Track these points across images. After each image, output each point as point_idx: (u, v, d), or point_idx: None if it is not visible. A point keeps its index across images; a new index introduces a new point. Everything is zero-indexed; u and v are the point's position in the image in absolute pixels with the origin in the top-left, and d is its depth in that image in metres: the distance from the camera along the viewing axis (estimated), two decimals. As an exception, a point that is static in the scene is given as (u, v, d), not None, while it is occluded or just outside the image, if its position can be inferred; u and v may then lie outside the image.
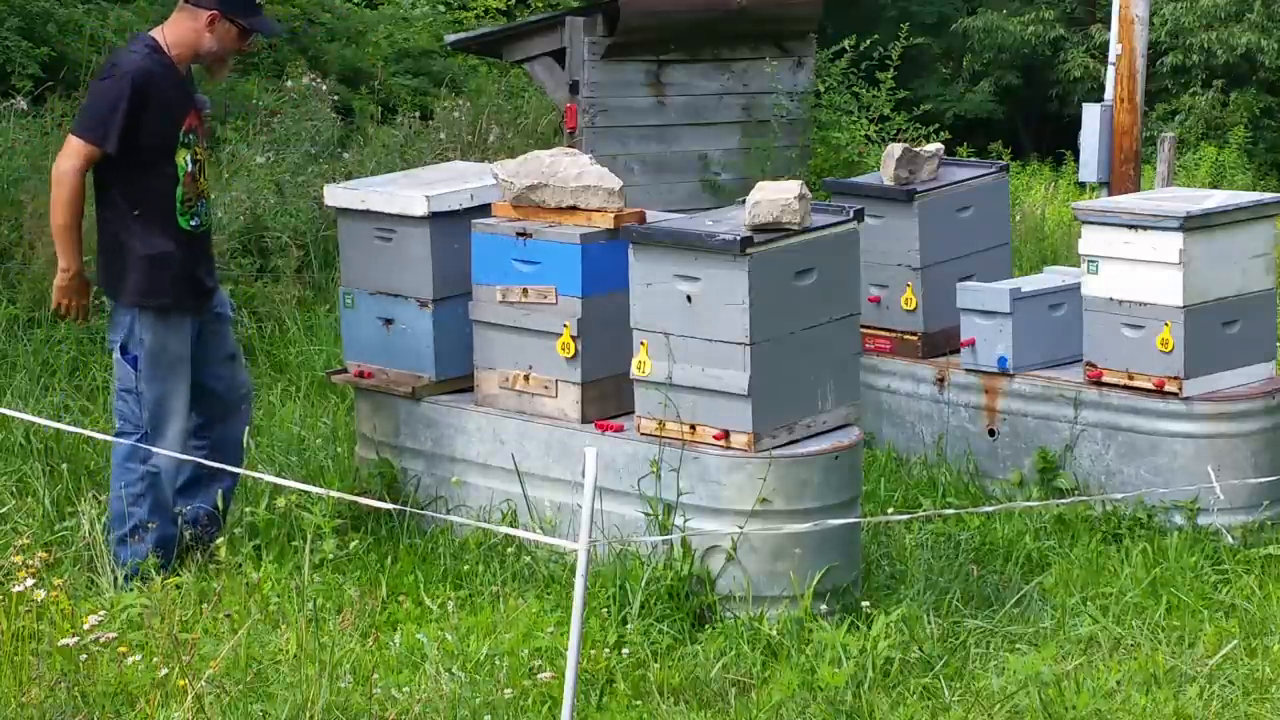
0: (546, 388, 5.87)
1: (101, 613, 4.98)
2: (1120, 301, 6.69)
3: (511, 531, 5.63)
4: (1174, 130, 18.86)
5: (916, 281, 7.30)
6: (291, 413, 7.32)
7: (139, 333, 5.69)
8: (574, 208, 5.84)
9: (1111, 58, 11.42)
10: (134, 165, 5.61)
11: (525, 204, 5.92)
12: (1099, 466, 6.76)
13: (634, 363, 5.64)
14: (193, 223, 5.74)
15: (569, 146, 8.90)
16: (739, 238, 5.38)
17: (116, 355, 5.74)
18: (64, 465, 6.37)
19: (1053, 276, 7.45)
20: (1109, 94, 11.41)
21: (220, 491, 5.82)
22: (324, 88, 11.21)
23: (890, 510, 6.55)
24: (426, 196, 6.08)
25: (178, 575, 5.53)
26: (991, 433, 7.07)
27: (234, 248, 9.00)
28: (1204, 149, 19.30)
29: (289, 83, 11.64)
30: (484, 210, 6.10)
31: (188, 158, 5.71)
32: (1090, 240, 6.76)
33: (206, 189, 5.85)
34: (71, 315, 5.81)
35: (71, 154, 5.58)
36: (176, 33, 5.74)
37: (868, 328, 7.21)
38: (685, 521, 5.48)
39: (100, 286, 5.89)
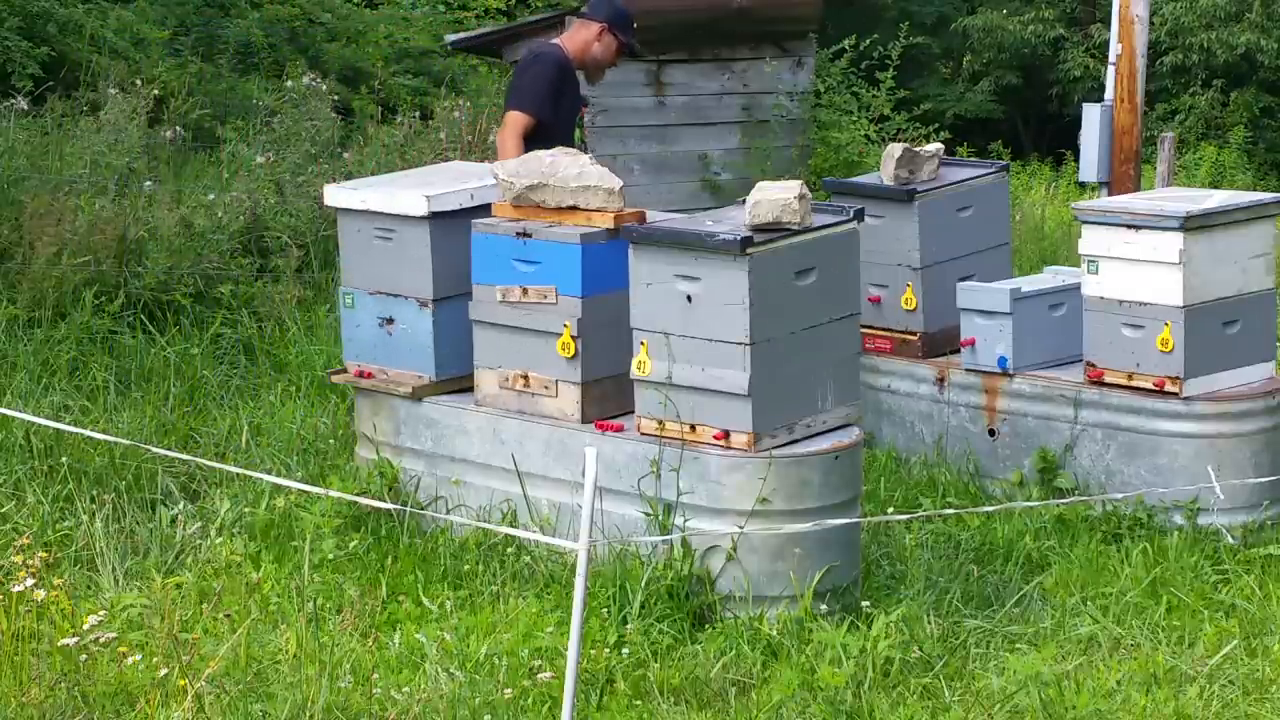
0: (546, 388, 5.87)
1: (101, 613, 4.99)
2: (1120, 301, 6.69)
3: (512, 531, 5.63)
4: (1174, 130, 18.86)
5: (916, 281, 7.30)
6: (291, 413, 7.32)
7: None
8: (574, 208, 5.84)
9: (1111, 58, 11.41)
10: (550, 138, 6.76)
11: (525, 204, 5.92)
12: (1099, 466, 6.76)
13: (634, 363, 5.64)
14: None
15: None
16: (739, 238, 5.38)
17: None
18: (64, 465, 6.37)
19: (1053, 276, 7.44)
20: (1109, 94, 11.40)
21: None
22: (324, 88, 11.21)
23: (890, 510, 6.55)
24: (426, 196, 6.08)
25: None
26: (991, 433, 7.07)
27: (234, 248, 9.00)
28: (1204, 149, 19.29)
29: (289, 83, 11.64)
30: (484, 210, 6.10)
31: (578, 137, 7.22)
32: (1090, 240, 6.76)
33: None
34: None
35: (511, 125, 6.90)
36: (574, 41, 7.17)
37: (868, 328, 7.21)
38: (685, 521, 5.48)
39: None
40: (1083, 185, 13.58)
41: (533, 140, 6.83)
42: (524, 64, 7.14)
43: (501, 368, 5.98)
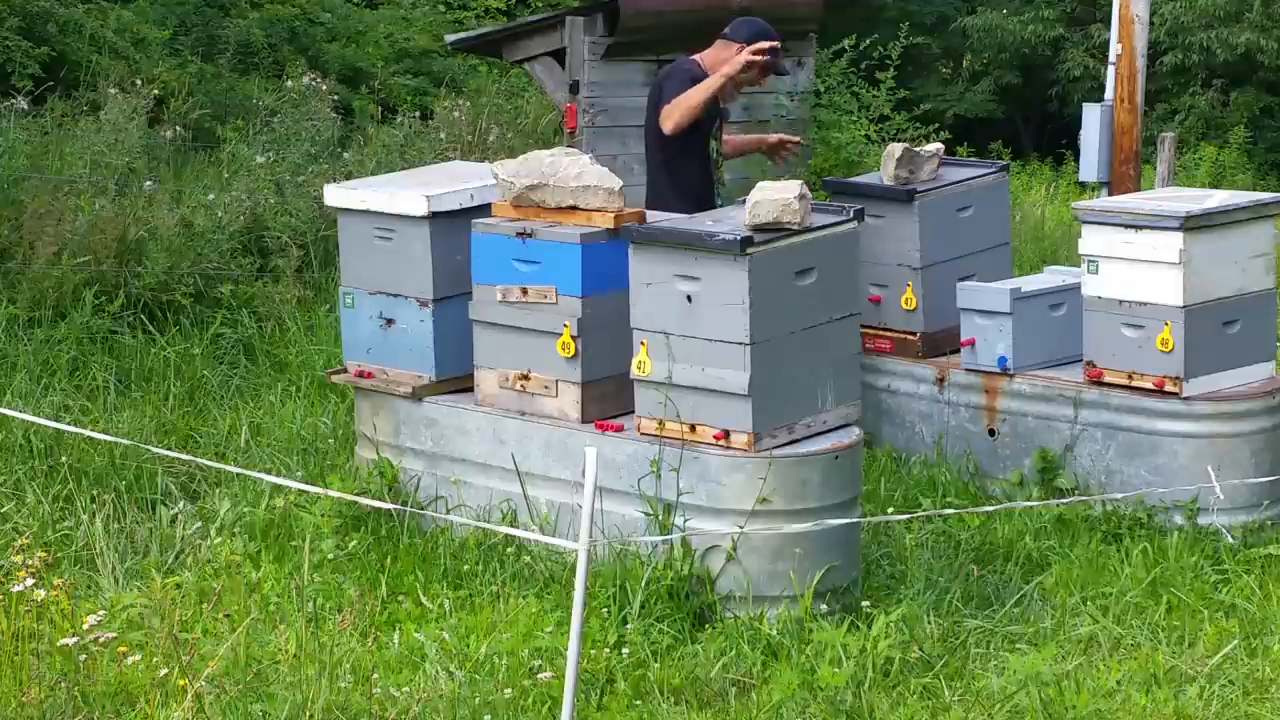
0: (546, 388, 5.87)
1: (101, 613, 4.98)
2: (1120, 301, 6.69)
3: (511, 531, 5.62)
4: (1174, 130, 18.85)
5: (916, 281, 7.30)
6: (291, 413, 7.32)
7: None
8: (574, 208, 5.84)
9: (1111, 58, 11.41)
10: (691, 142, 7.03)
11: (525, 204, 5.92)
12: (1099, 466, 6.76)
13: (634, 363, 5.64)
14: (717, 202, 7.15)
15: (569, 146, 8.90)
16: (739, 238, 5.38)
17: None
18: (64, 465, 6.37)
19: (1053, 276, 7.44)
20: (1109, 94, 11.40)
21: None
22: (324, 88, 11.21)
23: (890, 510, 6.55)
24: (426, 196, 6.08)
25: None
26: (991, 433, 7.07)
27: (234, 248, 9.00)
28: (1204, 149, 19.29)
29: (289, 83, 11.64)
30: (484, 210, 6.10)
31: (714, 148, 7.27)
32: (1090, 240, 6.76)
33: (722, 176, 7.40)
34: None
35: (673, 103, 6.94)
36: (714, 58, 7.14)
37: (868, 328, 7.21)
38: (685, 521, 5.48)
39: None
40: (1083, 185, 13.57)
41: (675, 145, 6.99)
42: (659, 79, 7.22)
43: (501, 368, 5.98)
